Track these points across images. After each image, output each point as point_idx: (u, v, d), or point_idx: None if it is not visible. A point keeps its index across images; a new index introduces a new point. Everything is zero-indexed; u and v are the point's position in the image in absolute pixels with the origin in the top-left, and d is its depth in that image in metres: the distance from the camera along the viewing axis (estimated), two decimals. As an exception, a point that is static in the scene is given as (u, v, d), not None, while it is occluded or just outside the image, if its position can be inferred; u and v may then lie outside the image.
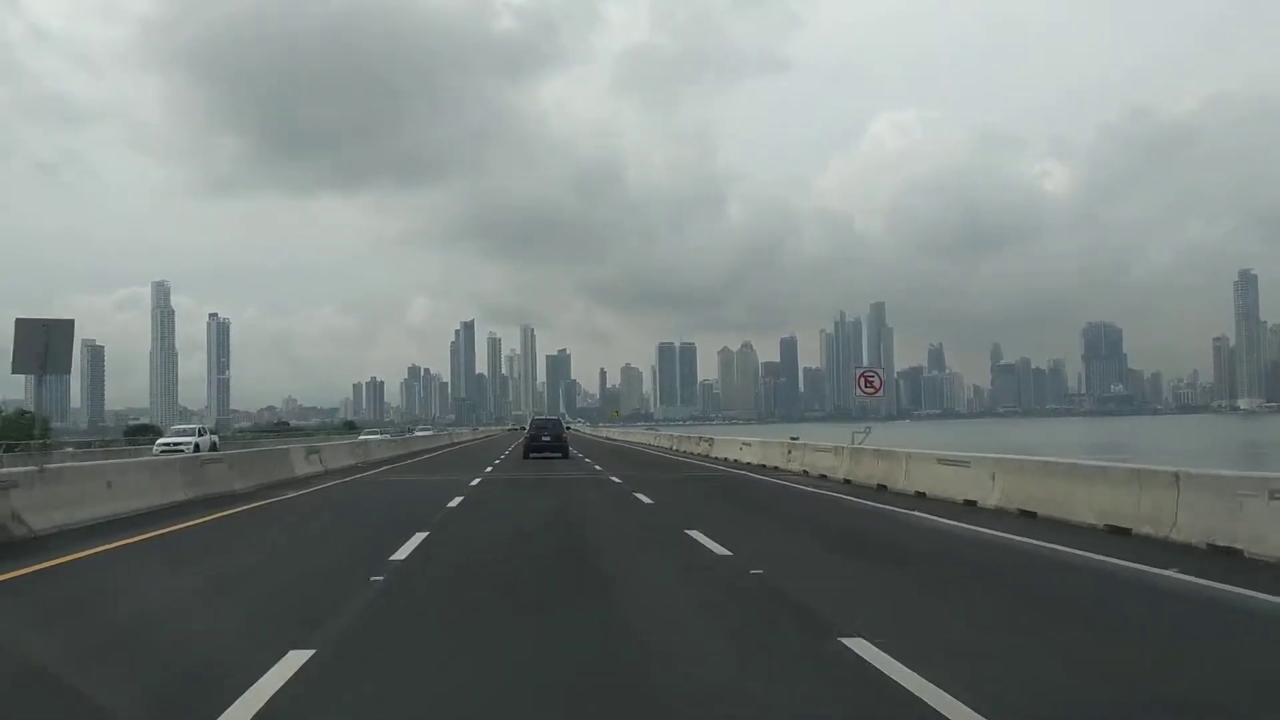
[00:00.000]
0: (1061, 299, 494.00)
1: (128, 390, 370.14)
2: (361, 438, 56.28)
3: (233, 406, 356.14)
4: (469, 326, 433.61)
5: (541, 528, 13.18)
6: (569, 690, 5.04)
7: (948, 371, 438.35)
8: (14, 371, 13.46)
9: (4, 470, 13.50)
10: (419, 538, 11.20)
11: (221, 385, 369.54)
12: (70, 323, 14.04)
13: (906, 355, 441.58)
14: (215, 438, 50.56)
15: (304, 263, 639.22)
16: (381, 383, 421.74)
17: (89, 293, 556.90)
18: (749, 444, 31.27)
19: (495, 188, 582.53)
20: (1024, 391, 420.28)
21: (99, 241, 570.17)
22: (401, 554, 9.95)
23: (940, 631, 6.34)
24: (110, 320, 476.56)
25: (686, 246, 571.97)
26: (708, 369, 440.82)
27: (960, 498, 14.67)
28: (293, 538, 12.68)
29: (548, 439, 37.08)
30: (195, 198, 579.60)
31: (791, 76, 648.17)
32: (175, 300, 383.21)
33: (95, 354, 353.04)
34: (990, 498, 13.92)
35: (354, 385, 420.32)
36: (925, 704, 4.57)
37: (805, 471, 23.66)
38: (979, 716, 4.37)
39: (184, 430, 51.38)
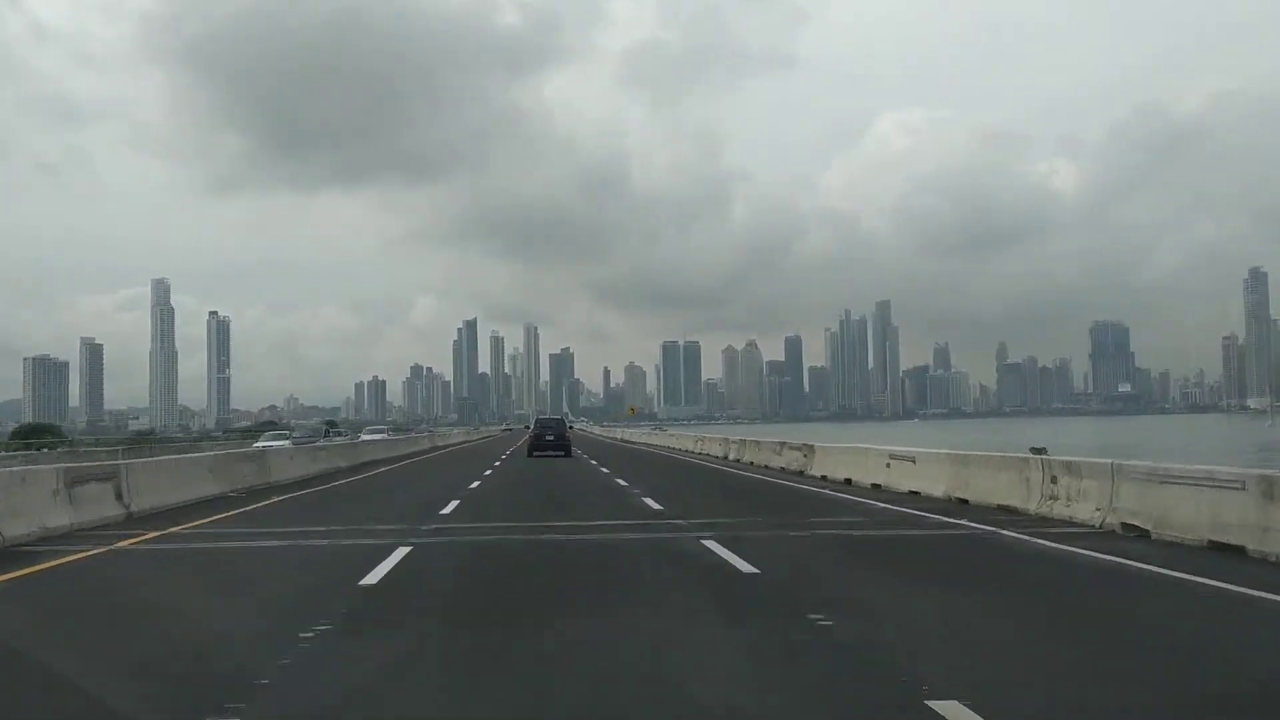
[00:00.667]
0: (1068, 298, 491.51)
1: (129, 390, 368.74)
2: (258, 445, 40.07)
3: (233, 406, 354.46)
4: (471, 325, 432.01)
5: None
6: None
7: (954, 371, 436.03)
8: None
9: (109, 463, 15.71)
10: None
11: (221, 384, 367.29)
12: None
13: (912, 354, 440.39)
14: None
15: (307, 261, 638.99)
16: (383, 382, 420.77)
17: (93, 292, 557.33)
18: (904, 460, 17.58)
19: (498, 186, 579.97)
20: (1030, 391, 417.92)
21: (101, 241, 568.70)
22: None
23: None
24: (113, 320, 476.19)
25: (691, 245, 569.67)
26: (712, 368, 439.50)
27: None
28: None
29: (551, 438, 39.03)
30: (198, 196, 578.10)
31: (797, 74, 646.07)
32: (176, 299, 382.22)
33: (94, 353, 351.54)
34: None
35: (356, 384, 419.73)
36: None
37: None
38: None
39: None
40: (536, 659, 5.65)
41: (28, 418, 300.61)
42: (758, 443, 30.08)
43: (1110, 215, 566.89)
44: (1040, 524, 11.79)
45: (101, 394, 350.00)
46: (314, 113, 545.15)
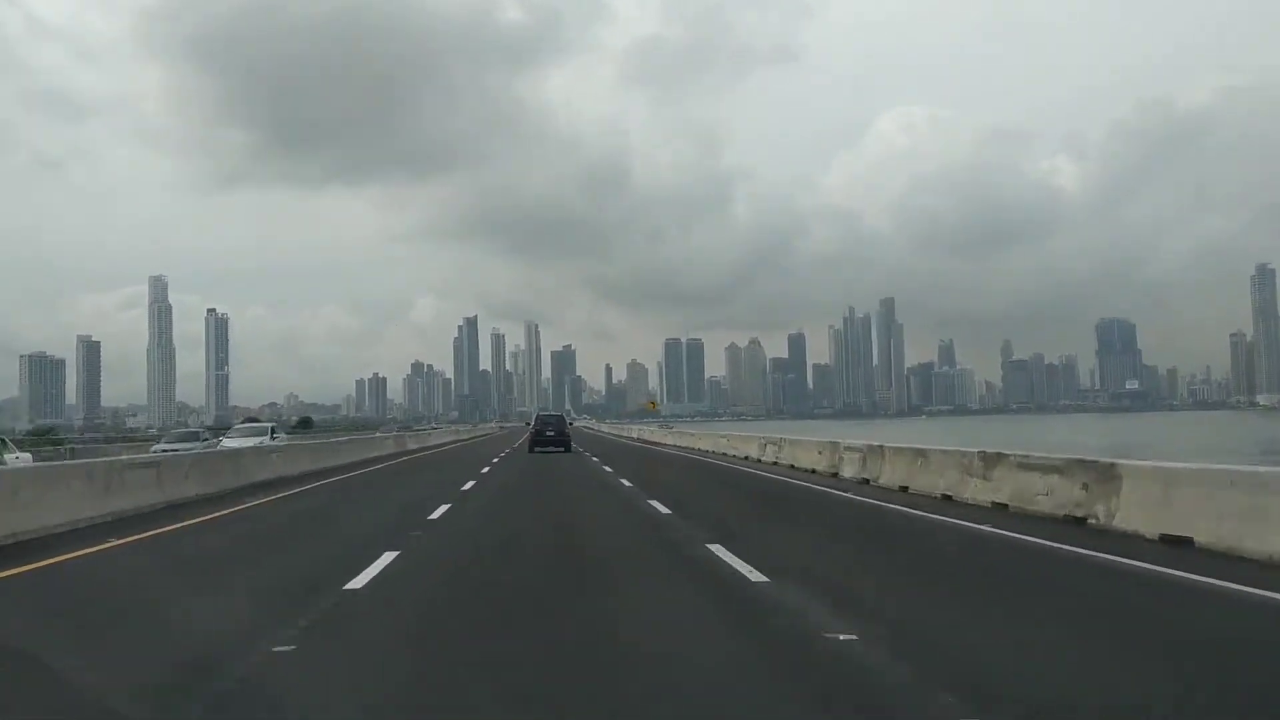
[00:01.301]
0: (1074, 294, 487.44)
1: (129, 387, 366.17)
2: (228, 443, 34.11)
3: (233, 403, 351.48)
4: (472, 322, 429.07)
5: None
6: None
7: (959, 368, 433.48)
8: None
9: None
10: None
11: (220, 382, 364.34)
12: None
13: (916, 352, 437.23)
14: None
15: (308, 258, 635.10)
16: (384, 379, 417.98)
17: (95, 291, 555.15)
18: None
19: (501, 182, 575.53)
20: (1036, 388, 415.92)
21: (103, 238, 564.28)
22: None
23: None
24: (115, 318, 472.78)
25: (693, 243, 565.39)
26: (715, 366, 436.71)
27: None
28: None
29: (552, 434, 40.47)
30: (200, 192, 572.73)
31: (799, 71, 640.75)
32: (174, 296, 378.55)
33: (91, 350, 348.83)
34: None
35: (356, 382, 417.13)
36: None
37: None
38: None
39: None
40: None
41: (24, 416, 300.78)
42: (785, 440, 27.61)
43: (1116, 211, 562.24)
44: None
45: (99, 392, 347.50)
46: (317, 109, 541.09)
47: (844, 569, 9.18)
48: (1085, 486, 11.54)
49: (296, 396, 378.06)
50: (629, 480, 21.31)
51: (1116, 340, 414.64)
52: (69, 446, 42.47)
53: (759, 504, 16.84)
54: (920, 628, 6.33)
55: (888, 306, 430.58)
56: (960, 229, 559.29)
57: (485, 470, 26.56)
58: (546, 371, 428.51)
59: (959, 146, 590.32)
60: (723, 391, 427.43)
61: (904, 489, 16.84)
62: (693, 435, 47.59)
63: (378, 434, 63.27)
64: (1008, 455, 13.88)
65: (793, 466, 24.51)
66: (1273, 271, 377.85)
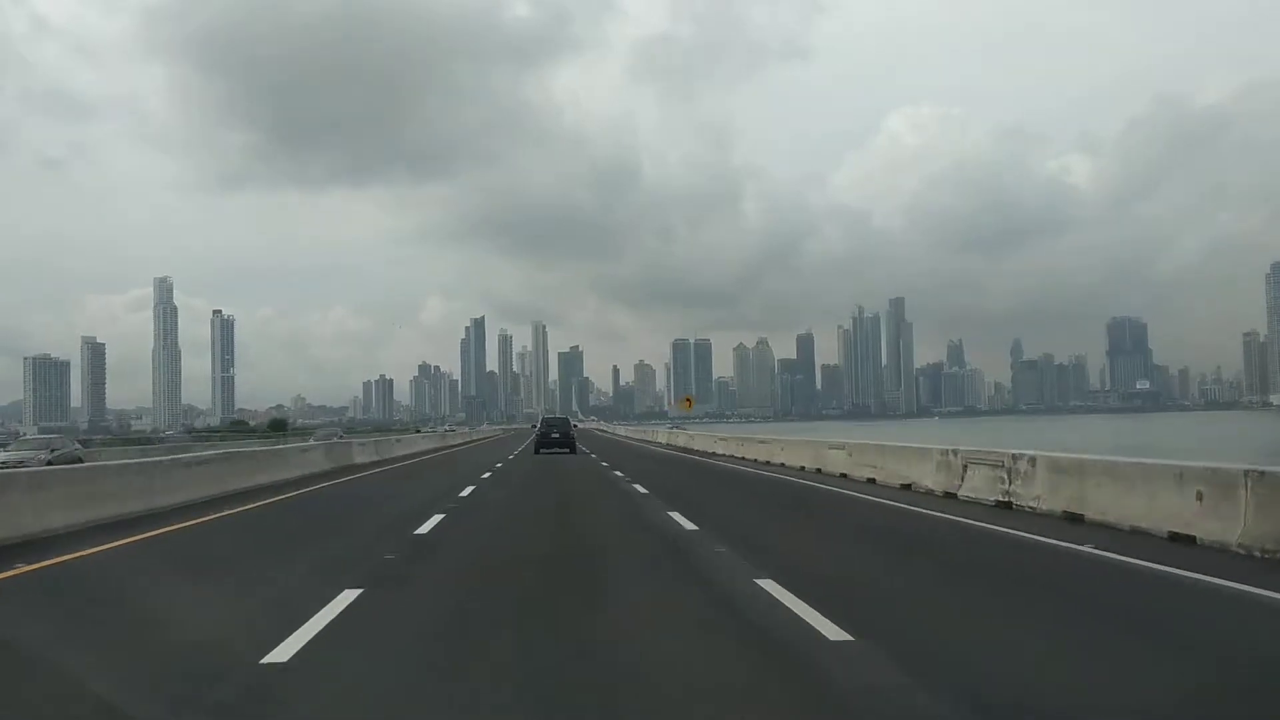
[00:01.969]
0: (1084, 294, 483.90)
1: (136, 390, 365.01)
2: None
3: (240, 405, 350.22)
4: (479, 323, 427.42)
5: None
6: None
7: (968, 368, 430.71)
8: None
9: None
10: None
11: (226, 384, 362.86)
12: None
13: (925, 352, 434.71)
14: None
15: (314, 259, 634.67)
16: (391, 380, 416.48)
17: (102, 292, 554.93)
18: None
19: (508, 182, 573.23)
20: (1046, 388, 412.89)
21: (108, 239, 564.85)
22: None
23: None
24: (121, 320, 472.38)
25: (701, 243, 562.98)
26: (723, 366, 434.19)
27: None
28: None
29: (557, 436, 42.26)
30: (204, 193, 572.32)
31: (809, 70, 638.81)
32: (180, 298, 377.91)
33: (96, 352, 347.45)
34: None
35: (364, 384, 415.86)
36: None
37: None
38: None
39: None
40: None
41: (29, 419, 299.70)
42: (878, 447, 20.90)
43: (1129, 209, 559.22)
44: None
45: (104, 394, 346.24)
46: (321, 107, 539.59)
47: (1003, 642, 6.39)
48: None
49: (304, 398, 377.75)
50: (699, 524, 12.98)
51: (1127, 340, 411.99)
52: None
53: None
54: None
55: (897, 306, 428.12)
56: (971, 228, 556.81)
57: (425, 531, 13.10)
58: (554, 373, 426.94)
59: (970, 145, 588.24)
60: (730, 392, 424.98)
61: (1076, 516, 12.10)
62: (763, 444, 32.79)
63: (311, 442, 44.25)
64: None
65: (905, 486, 17.76)
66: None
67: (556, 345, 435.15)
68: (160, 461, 17.91)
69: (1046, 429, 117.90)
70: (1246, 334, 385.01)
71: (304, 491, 20.02)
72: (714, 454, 37.86)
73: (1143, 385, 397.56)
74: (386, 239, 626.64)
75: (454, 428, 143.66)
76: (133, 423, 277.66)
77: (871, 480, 19.46)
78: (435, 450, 52.01)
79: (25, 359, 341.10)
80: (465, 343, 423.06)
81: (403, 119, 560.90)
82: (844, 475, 21.26)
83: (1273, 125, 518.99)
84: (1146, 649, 6.01)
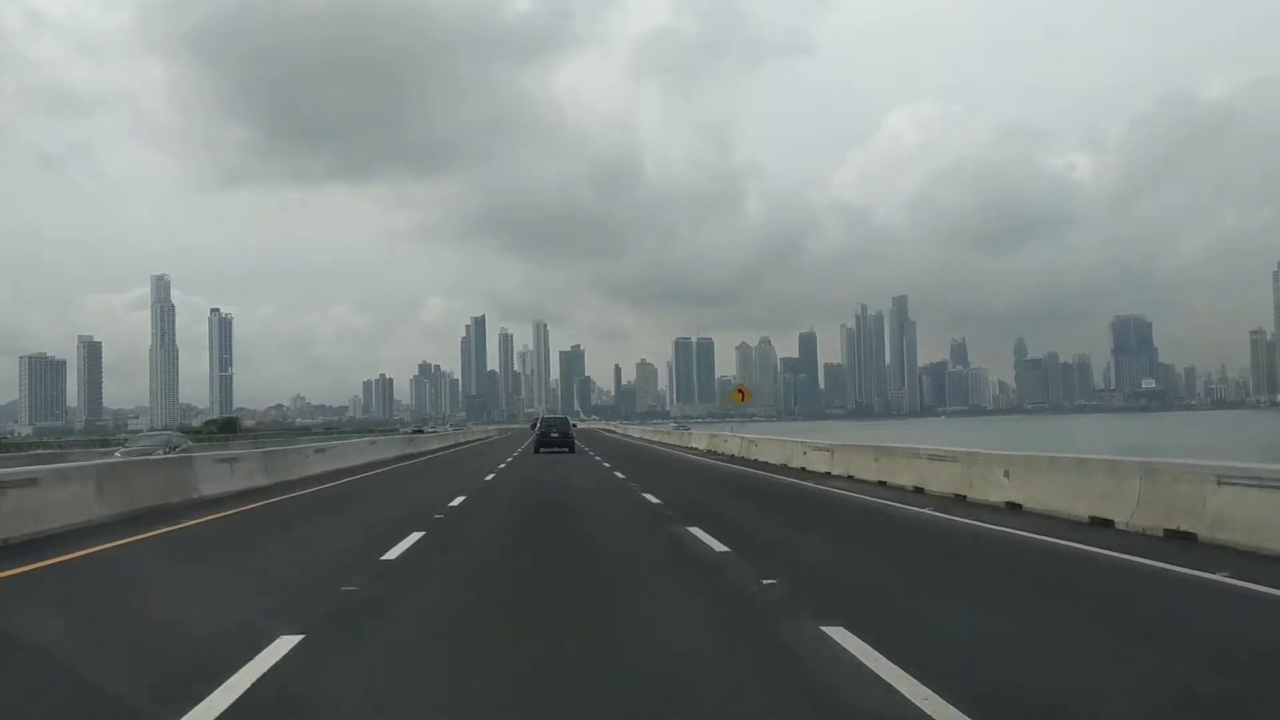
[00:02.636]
0: (1089, 292, 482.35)
1: (134, 389, 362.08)
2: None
3: (238, 405, 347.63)
4: (480, 322, 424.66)
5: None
6: None
7: (972, 367, 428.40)
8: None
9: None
10: None
11: (224, 383, 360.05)
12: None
13: (929, 350, 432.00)
14: None
15: (313, 257, 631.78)
16: (391, 380, 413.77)
17: (100, 291, 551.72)
18: None
19: (509, 180, 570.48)
20: (1051, 387, 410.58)
21: (106, 237, 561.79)
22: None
23: None
24: (120, 319, 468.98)
25: (704, 241, 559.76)
26: (725, 365, 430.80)
27: None
28: None
29: (556, 435, 42.18)
30: (203, 190, 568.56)
31: (814, 67, 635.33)
32: (177, 296, 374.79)
33: (92, 351, 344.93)
34: None
35: (364, 383, 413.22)
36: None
37: None
38: None
39: None
40: None
41: (24, 418, 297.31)
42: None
43: (1133, 207, 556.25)
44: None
45: (100, 393, 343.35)
46: (321, 103, 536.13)
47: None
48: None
49: (304, 398, 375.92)
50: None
51: (1132, 339, 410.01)
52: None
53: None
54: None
55: (900, 305, 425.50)
56: (974, 226, 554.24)
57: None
58: (555, 372, 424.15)
59: (973, 143, 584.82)
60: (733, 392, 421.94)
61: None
62: (751, 441, 31.45)
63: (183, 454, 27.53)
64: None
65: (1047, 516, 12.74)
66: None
67: (558, 344, 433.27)
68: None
69: (1129, 429, 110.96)
70: (1253, 332, 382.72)
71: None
72: (805, 471, 24.61)
73: (1148, 384, 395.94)
74: (387, 236, 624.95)
75: (435, 428, 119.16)
76: (129, 422, 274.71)
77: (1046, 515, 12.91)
78: (394, 461, 36.25)
79: (21, 358, 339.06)
80: (466, 341, 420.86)
81: (403, 115, 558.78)
82: (1009, 505, 14.20)
83: (1278, 121, 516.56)
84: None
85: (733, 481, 23.84)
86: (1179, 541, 10.06)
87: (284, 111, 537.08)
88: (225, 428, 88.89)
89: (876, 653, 5.43)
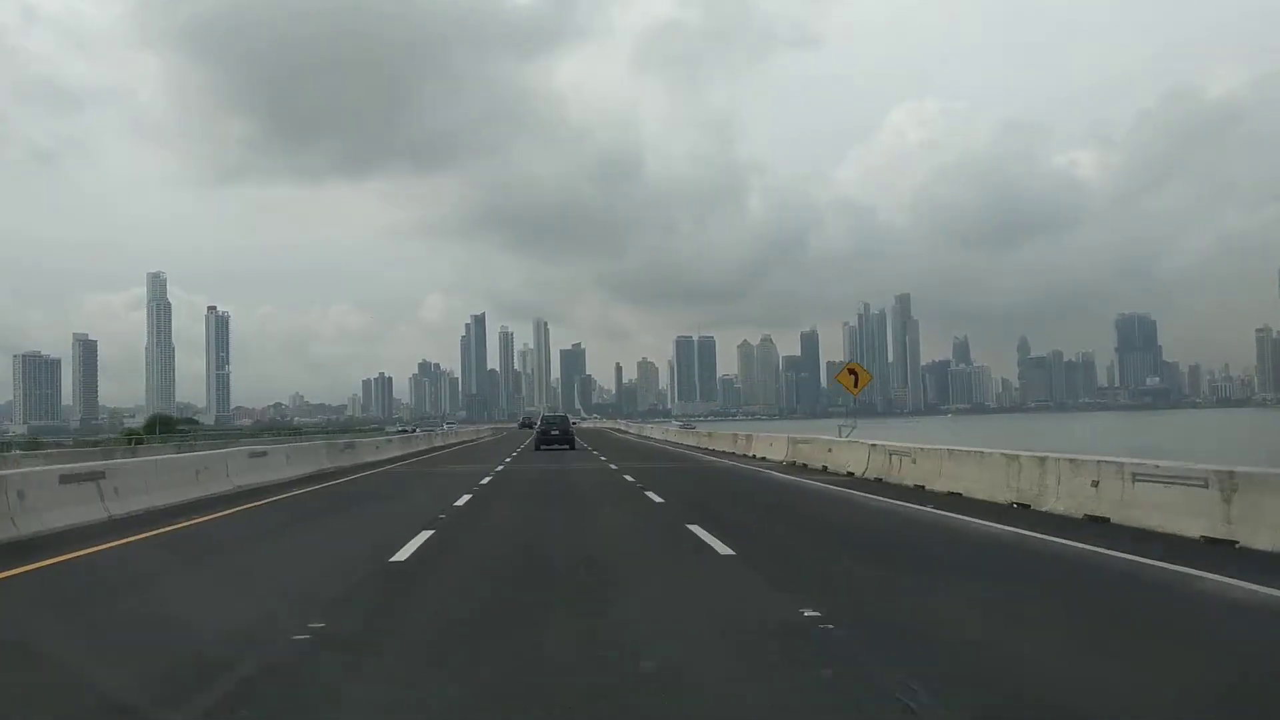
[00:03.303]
0: (1093, 290, 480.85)
1: (131, 388, 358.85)
2: None
3: (236, 404, 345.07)
4: (480, 321, 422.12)
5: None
6: None
7: (975, 365, 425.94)
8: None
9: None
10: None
11: (221, 382, 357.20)
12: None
13: (932, 348, 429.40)
14: None
15: (312, 255, 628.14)
16: (390, 379, 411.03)
17: (96, 289, 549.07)
18: None
19: (509, 175, 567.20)
20: (1054, 385, 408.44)
21: (102, 235, 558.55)
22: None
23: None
24: (118, 317, 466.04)
25: (705, 238, 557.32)
26: (727, 364, 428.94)
27: None
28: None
29: (556, 433, 43.07)
30: (201, 186, 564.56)
31: (817, 63, 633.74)
32: (175, 293, 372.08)
33: (87, 350, 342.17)
34: None
35: (363, 382, 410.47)
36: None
37: None
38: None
39: None
40: None
41: (19, 417, 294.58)
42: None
43: (1138, 204, 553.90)
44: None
45: (96, 392, 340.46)
46: (319, 98, 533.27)
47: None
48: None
49: (302, 397, 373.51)
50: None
51: (1137, 336, 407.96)
52: None
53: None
54: None
55: (903, 302, 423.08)
56: (977, 223, 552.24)
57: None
58: (555, 370, 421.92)
59: (977, 140, 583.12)
60: (735, 390, 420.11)
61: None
62: (912, 461, 18.41)
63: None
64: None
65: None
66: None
67: (558, 342, 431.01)
68: None
69: (1147, 428, 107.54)
70: (1259, 330, 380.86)
71: None
72: (929, 490, 16.67)
73: (1153, 382, 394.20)
74: (387, 234, 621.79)
75: (435, 429, 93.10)
76: (124, 421, 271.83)
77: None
78: (346, 472, 26.31)
79: (15, 356, 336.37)
80: (466, 340, 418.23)
81: (402, 110, 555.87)
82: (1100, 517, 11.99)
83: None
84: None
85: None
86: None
87: (282, 107, 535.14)
88: (149, 429, 76.59)
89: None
